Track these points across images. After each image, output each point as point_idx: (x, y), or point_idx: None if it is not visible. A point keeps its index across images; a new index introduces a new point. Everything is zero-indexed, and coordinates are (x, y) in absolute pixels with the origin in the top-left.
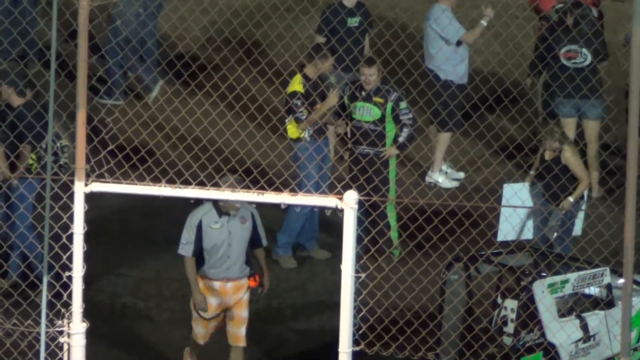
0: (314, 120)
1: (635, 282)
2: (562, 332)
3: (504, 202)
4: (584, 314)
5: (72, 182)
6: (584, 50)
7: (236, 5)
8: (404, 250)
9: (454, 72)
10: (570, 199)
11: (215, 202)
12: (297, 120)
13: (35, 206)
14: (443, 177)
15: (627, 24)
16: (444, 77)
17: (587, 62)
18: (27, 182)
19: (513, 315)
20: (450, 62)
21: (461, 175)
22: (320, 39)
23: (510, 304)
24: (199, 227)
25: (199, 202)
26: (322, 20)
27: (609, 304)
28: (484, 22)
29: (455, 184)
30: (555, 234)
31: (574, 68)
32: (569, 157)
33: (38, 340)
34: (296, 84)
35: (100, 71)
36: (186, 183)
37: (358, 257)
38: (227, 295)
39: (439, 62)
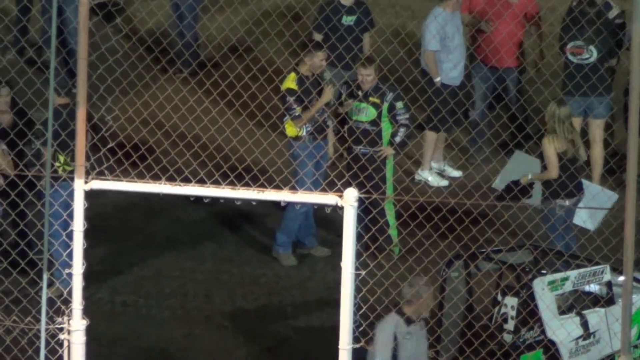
0: (311, 117)
1: (636, 279)
2: (562, 330)
3: (511, 166)
4: (584, 312)
5: (72, 179)
6: (591, 46)
7: (236, 3)
8: (403, 248)
9: (447, 74)
10: (529, 176)
11: (400, 310)
12: (293, 118)
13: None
14: (433, 175)
15: (628, 23)
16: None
17: (593, 59)
18: (64, 184)
19: (513, 313)
20: (444, 65)
21: (459, 173)
22: (318, 36)
23: (511, 302)
24: (395, 340)
25: (198, 199)
26: (318, 17)
27: (609, 301)
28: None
29: (445, 182)
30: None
31: (579, 64)
32: (545, 144)
33: (38, 337)
34: (290, 81)
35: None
36: (186, 181)
37: (358, 255)
38: None
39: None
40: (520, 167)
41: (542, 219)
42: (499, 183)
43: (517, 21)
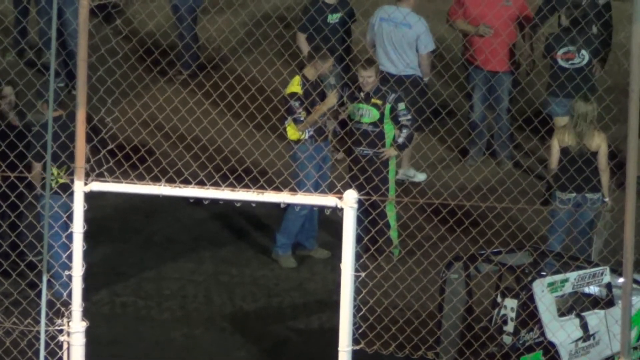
0: (314, 121)
1: (635, 281)
2: (562, 331)
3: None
4: (583, 313)
5: (66, 188)
6: (583, 50)
7: (235, 5)
8: (403, 250)
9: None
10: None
11: None
12: (296, 122)
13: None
14: (414, 170)
15: (628, 24)
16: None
17: (585, 62)
18: (55, 197)
19: (513, 315)
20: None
21: (424, 176)
22: (302, 37)
23: (510, 303)
24: None
25: (198, 201)
26: (303, 17)
27: (609, 303)
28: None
29: (424, 176)
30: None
31: (572, 69)
32: (553, 136)
33: (38, 339)
34: (295, 85)
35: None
36: (186, 182)
37: (358, 256)
38: None
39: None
40: None
41: (544, 220)
42: None
43: (503, 22)
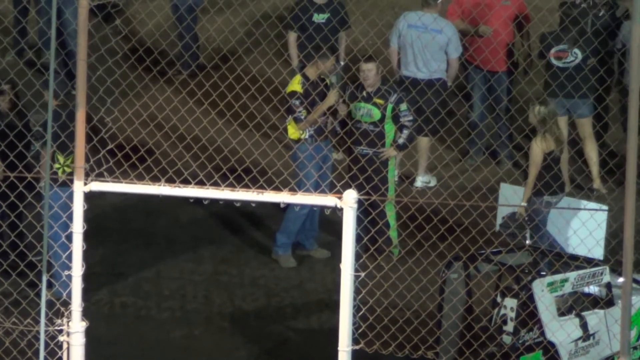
0: (314, 120)
1: (635, 281)
2: (561, 331)
3: (502, 201)
4: (583, 313)
5: (72, 181)
6: (575, 49)
7: (235, 5)
8: (403, 249)
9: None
10: (523, 203)
11: None
12: (296, 120)
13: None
14: (429, 176)
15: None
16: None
17: (578, 61)
18: (66, 189)
19: (512, 314)
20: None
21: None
22: (292, 35)
23: (510, 303)
24: None
25: (197, 200)
26: (291, 16)
27: (609, 302)
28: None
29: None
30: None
31: (564, 67)
32: (533, 144)
33: (37, 339)
34: (295, 84)
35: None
36: (185, 182)
37: (357, 256)
38: None
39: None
40: (510, 198)
41: (528, 220)
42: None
43: (502, 22)
